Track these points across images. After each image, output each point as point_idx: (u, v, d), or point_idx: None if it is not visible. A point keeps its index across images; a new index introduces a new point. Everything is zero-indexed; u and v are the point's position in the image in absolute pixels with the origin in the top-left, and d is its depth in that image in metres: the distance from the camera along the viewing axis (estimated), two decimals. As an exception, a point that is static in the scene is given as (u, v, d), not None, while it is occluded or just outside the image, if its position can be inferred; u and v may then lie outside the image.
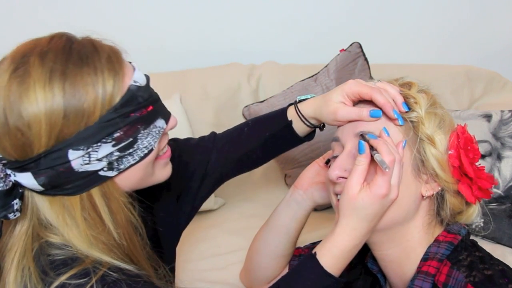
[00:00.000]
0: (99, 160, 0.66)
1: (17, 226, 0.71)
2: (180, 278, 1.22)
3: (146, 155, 0.70)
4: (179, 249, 0.99)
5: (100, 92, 0.64)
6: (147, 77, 0.72)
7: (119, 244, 0.71)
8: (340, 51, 1.68)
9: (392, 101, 0.75)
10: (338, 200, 0.77)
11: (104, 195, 0.69)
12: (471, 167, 0.74)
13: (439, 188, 0.76)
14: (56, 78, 0.62)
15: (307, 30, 1.92)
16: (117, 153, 0.67)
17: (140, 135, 0.68)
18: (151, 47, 1.80)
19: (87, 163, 0.66)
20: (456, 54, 2.01)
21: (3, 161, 0.66)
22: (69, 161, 0.65)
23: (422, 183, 0.75)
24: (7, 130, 0.62)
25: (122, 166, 0.68)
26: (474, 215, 0.79)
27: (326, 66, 1.67)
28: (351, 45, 1.69)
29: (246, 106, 1.69)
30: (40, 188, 0.66)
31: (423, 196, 0.76)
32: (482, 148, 1.36)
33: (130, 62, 0.71)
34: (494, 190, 1.33)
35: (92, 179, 0.67)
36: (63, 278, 0.65)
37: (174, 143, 0.95)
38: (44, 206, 0.69)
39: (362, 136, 0.74)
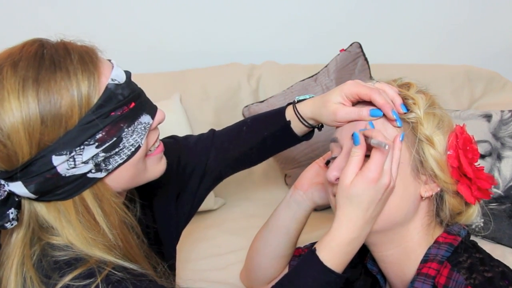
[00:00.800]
0: (85, 162, 0.65)
1: (14, 234, 0.71)
2: (180, 278, 1.22)
3: (133, 153, 0.69)
4: (180, 248, 0.99)
5: (75, 95, 0.63)
6: (128, 73, 0.70)
7: (116, 245, 0.71)
8: (340, 51, 1.68)
9: (391, 102, 0.75)
10: None
11: (96, 197, 0.69)
12: (470, 167, 0.74)
13: (438, 189, 0.76)
14: (29, 86, 0.62)
15: (307, 30, 1.92)
16: (103, 154, 0.66)
17: (125, 133, 0.67)
18: (151, 47, 1.80)
19: (73, 167, 0.65)
20: (456, 54, 2.01)
21: None
22: (54, 167, 0.64)
23: (421, 184, 0.75)
24: None
25: (110, 167, 0.68)
26: (473, 215, 0.79)
27: (326, 66, 1.68)
28: (351, 45, 1.69)
29: (246, 106, 1.69)
30: (32, 195, 0.67)
31: (422, 197, 0.75)
32: (482, 148, 1.36)
33: (109, 60, 0.70)
34: (494, 190, 1.33)
35: (82, 182, 0.67)
36: (67, 280, 0.65)
37: (174, 142, 0.95)
38: (42, 211, 0.70)
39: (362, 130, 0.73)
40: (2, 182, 0.66)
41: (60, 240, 0.69)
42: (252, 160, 0.97)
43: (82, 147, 0.64)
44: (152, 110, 0.72)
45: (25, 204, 0.70)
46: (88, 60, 0.65)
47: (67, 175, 0.66)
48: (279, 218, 0.97)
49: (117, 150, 0.67)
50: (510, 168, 1.34)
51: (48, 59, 0.64)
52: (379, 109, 0.74)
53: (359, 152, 0.70)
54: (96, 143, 0.65)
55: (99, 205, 0.69)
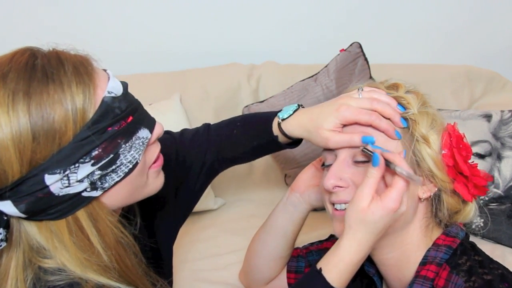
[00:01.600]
0: (80, 181, 0.61)
1: (3, 255, 0.66)
2: (180, 278, 1.22)
3: (131, 170, 0.65)
4: (179, 248, 0.99)
5: (70, 109, 0.58)
6: (125, 85, 0.66)
7: (111, 266, 0.67)
8: (340, 51, 1.68)
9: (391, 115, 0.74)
10: (336, 209, 0.77)
11: (91, 216, 0.65)
12: (466, 165, 0.75)
13: (436, 189, 0.76)
14: (20, 100, 0.57)
15: (307, 30, 1.92)
16: (99, 172, 0.62)
17: (122, 149, 0.63)
18: (151, 47, 1.80)
19: (67, 186, 0.61)
20: (456, 54, 2.01)
21: None
22: (47, 186, 0.60)
23: (419, 186, 0.75)
24: None
25: (106, 185, 0.64)
26: (471, 213, 0.79)
27: (326, 66, 1.67)
28: (351, 45, 1.69)
29: (246, 106, 1.69)
30: (23, 215, 0.62)
31: (420, 199, 0.75)
32: (482, 148, 1.36)
33: (105, 70, 0.66)
34: (494, 190, 1.33)
35: (76, 201, 0.63)
36: None
37: (170, 137, 0.93)
38: (33, 231, 0.65)
39: (365, 148, 0.73)
40: None
41: (52, 263, 0.65)
42: (245, 161, 0.96)
43: (77, 165, 0.60)
44: (150, 123, 0.68)
45: (14, 223, 0.65)
46: (83, 71, 0.61)
47: (61, 194, 0.61)
48: (276, 220, 0.96)
49: (113, 167, 0.63)
50: (510, 168, 1.34)
51: (40, 70, 0.59)
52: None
53: (376, 174, 0.69)
54: (92, 161, 0.61)
55: (94, 225, 0.65)
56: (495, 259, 0.76)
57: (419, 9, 1.97)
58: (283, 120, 0.83)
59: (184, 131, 0.98)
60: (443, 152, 0.75)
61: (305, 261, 1.01)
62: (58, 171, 0.59)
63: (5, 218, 0.64)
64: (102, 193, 0.64)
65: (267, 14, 1.88)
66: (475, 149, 1.34)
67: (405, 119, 0.75)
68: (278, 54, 1.86)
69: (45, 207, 0.62)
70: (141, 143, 0.66)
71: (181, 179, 0.92)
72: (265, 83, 1.76)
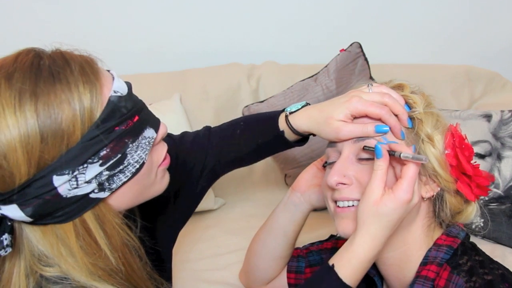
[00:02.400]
0: (88, 182, 0.61)
1: (6, 262, 0.65)
2: (180, 278, 1.22)
3: (138, 170, 0.65)
4: (179, 248, 0.99)
5: (77, 109, 0.58)
6: (129, 85, 0.66)
7: (117, 269, 0.66)
8: (340, 51, 1.68)
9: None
10: (338, 206, 0.76)
11: (98, 218, 0.64)
12: (469, 165, 0.75)
13: (438, 189, 0.76)
14: (27, 100, 0.56)
15: (307, 30, 1.92)
16: (107, 172, 0.62)
17: (129, 149, 0.63)
18: (151, 47, 1.80)
19: (75, 187, 0.60)
20: (456, 54, 2.01)
21: None
22: (55, 188, 0.59)
23: (422, 185, 0.75)
24: None
25: (114, 186, 0.63)
26: (473, 214, 0.79)
27: (326, 66, 1.67)
28: (351, 45, 1.69)
29: (246, 106, 1.69)
30: (29, 219, 0.61)
31: (423, 198, 0.75)
32: (482, 148, 1.36)
33: (108, 71, 0.66)
34: (494, 190, 1.33)
35: (83, 203, 0.62)
36: None
37: (170, 140, 0.93)
38: (36, 236, 0.64)
39: (366, 147, 0.73)
40: None
41: (53, 271, 0.63)
42: (248, 162, 0.96)
43: (85, 165, 0.59)
44: (155, 123, 0.68)
45: (16, 228, 0.64)
46: (89, 71, 0.61)
47: (68, 196, 0.61)
48: (277, 220, 0.96)
49: (121, 167, 0.63)
50: (510, 168, 1.34)
51: (46, 70, 0.58)
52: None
53: (383, 165, 0.69)
54: (100, 161, 0.60)
55: (101, 227, 0.64)
56: (495, 259, 0.76)
57: (419, 9, 1.97)
58: (290, 113, 0.83)
59: (184, 134, 0.97)
60: (446, 152, 0.75)
61: (306, 261, 1.01)
62: (66, 172, 0.59)
63: (9, 223, 0.63)
64: (110, 195, 0.64)
65: (267, 14, 1.88)
66: (475, 149, 1.34)
67: (411, 118, 0.76)
68: (278, 54, 1.86)
69: (52, 210, 0.61)
70: (147, 143, 0.66)
71: (181, 182, 0.92)
72: (265, 83, 1.76)
